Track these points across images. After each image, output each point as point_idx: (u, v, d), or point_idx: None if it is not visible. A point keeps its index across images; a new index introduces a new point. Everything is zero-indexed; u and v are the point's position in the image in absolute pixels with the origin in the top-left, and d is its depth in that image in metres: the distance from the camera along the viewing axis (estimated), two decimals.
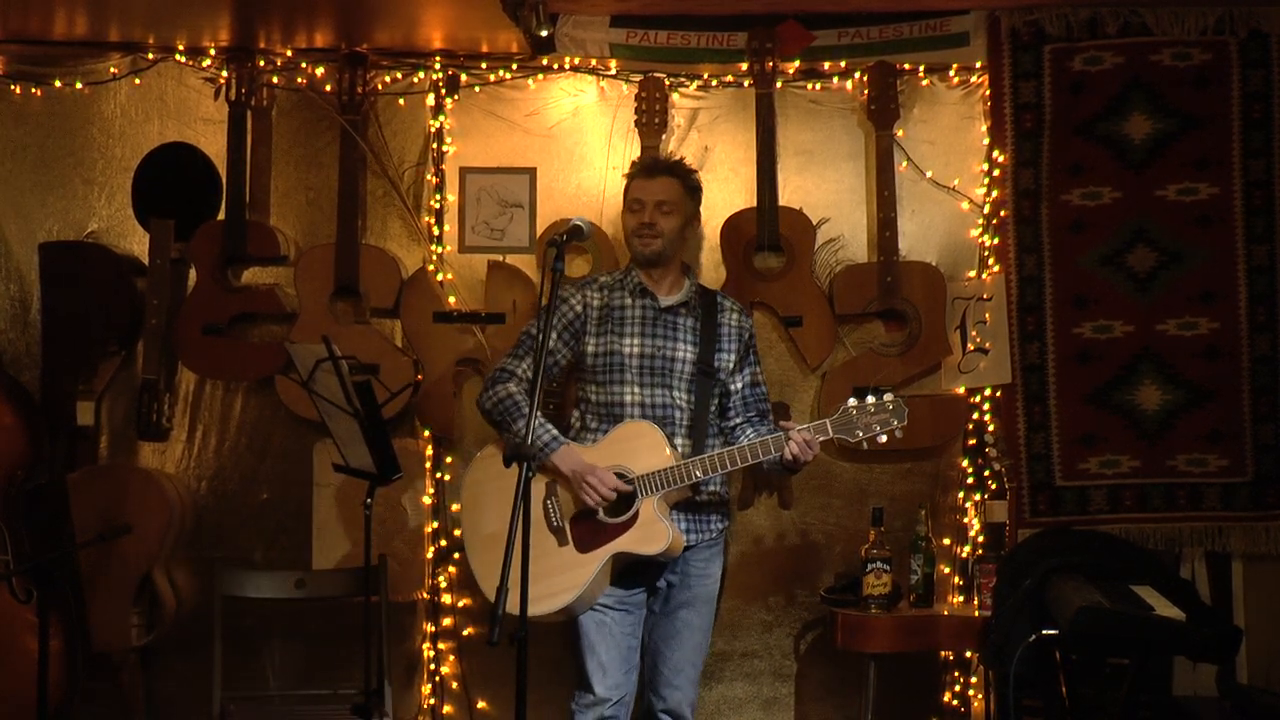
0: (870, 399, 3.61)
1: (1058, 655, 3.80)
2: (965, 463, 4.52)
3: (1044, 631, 3.69)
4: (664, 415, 3.72)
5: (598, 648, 3.69)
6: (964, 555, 4.47)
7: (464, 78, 4.61)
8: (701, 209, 4.59)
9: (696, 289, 3.89)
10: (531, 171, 4.62)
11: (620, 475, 3.63)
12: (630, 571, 3.69)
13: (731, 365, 3.83)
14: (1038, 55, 4.41)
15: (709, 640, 3.88)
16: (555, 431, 3.71)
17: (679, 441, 3.72)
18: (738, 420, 3.85)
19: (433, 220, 4.60)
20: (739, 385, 3.85)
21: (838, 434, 3.61)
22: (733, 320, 3.87)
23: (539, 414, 3.56)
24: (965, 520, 4.51)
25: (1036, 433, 4.42)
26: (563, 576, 3.60)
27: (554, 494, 3.70)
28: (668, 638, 3.78)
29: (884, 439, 3.62)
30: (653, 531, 3.60)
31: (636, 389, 3.73)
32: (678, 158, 3.96)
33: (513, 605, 2.98)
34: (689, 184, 3.87)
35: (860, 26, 4.46)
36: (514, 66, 4.61)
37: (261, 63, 4.57)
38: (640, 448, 3.65)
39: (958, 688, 4.51)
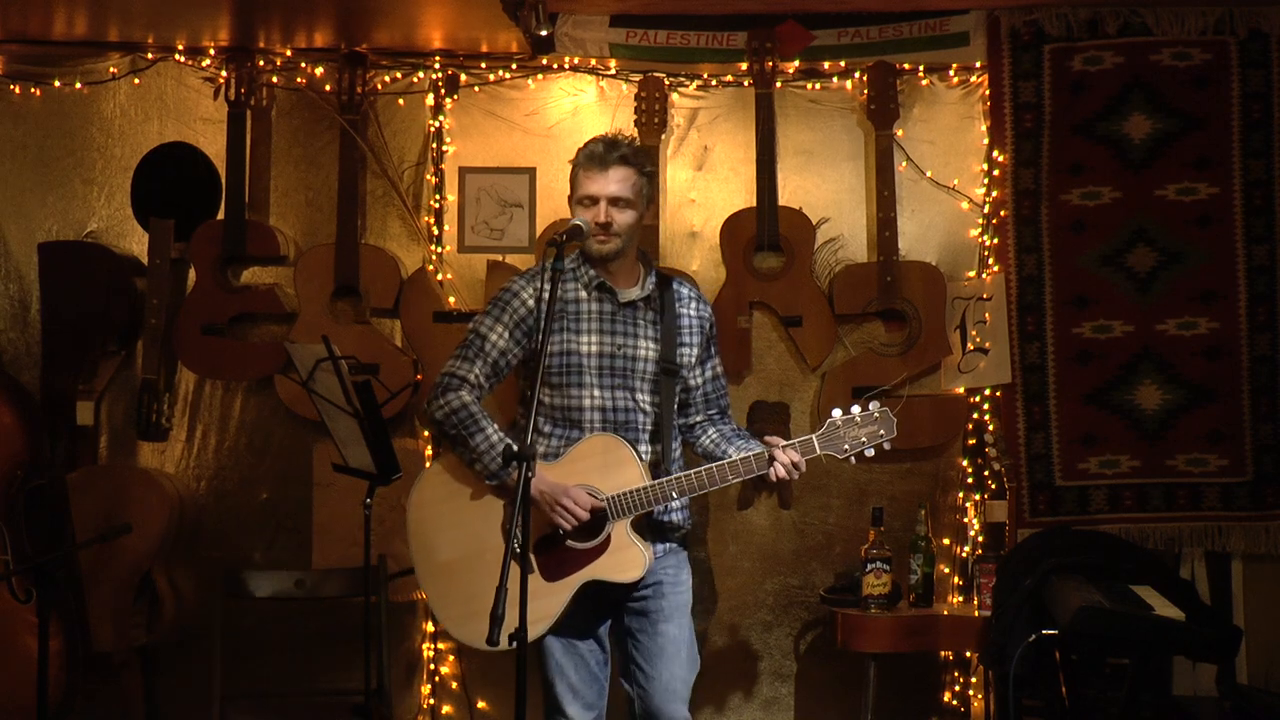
0: (856, 410, 3.37)
1: (1058, 655, 3.80)
2: (965, 463, 4.52)
3: (1044, 631, 3.68)
4: (626, 420, 3.43)
5: (566, 670, 3.45)
6: (964, 555, 4.47)
7: (464, 77, 4.61)
8: (701, 209, 4.61)
9: (655, 278, 3.53)
10: (531, 171, 4.62)
11: (589, 496, 3.36)
12: (600, 594, 3.40)
13: (693, 360, 3.53)
14: (1037, 55, 4.41)
15: (695, 649, 3.53)
16: (516, 448, 3.36)
17: (643, 448, 3.43)
18: (698, 418, 3.59)
19: (432, 220, 4.60)
20: (699, 380, 3.56)
21: (825, 450, 3.36)
22: (692, 310, 3.54)
23: (497, 430, 3.38)
24: (965, 520, 4.51)
25: (1036, 433, 4.42)
26: (531, 607, 3.15)
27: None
28: (652, 657, 3.44)
29: (871, 453, 3.38)
30: (627, 557, 3.33)
31: (596, 391, 3.42)
32: (627, 137, 3.53)
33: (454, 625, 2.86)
34: (645, 170, 3.45)
35: (860, 26, 4.46)
36: (514, 66, 4.61)
37: (261, 62, 4.57)
38: (607, 464, 3.35)
39: (958, 688, 4.51)
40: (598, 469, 3.36)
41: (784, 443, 3.34)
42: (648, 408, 3.46)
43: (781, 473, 3.32)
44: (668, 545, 3.51)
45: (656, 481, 3.34)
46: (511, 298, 3.47)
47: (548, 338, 3.19)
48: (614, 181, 3.39)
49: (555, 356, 3.42)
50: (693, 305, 3.56)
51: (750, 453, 3.36)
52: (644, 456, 3.41)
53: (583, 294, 3.46)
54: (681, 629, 3.48)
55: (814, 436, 3.37)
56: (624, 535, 3.34)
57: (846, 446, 3.36)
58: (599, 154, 3.41)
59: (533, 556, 3.34)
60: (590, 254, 3.44)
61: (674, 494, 3.35)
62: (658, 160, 3.57)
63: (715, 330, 3.62)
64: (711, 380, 3.60)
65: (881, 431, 3.37)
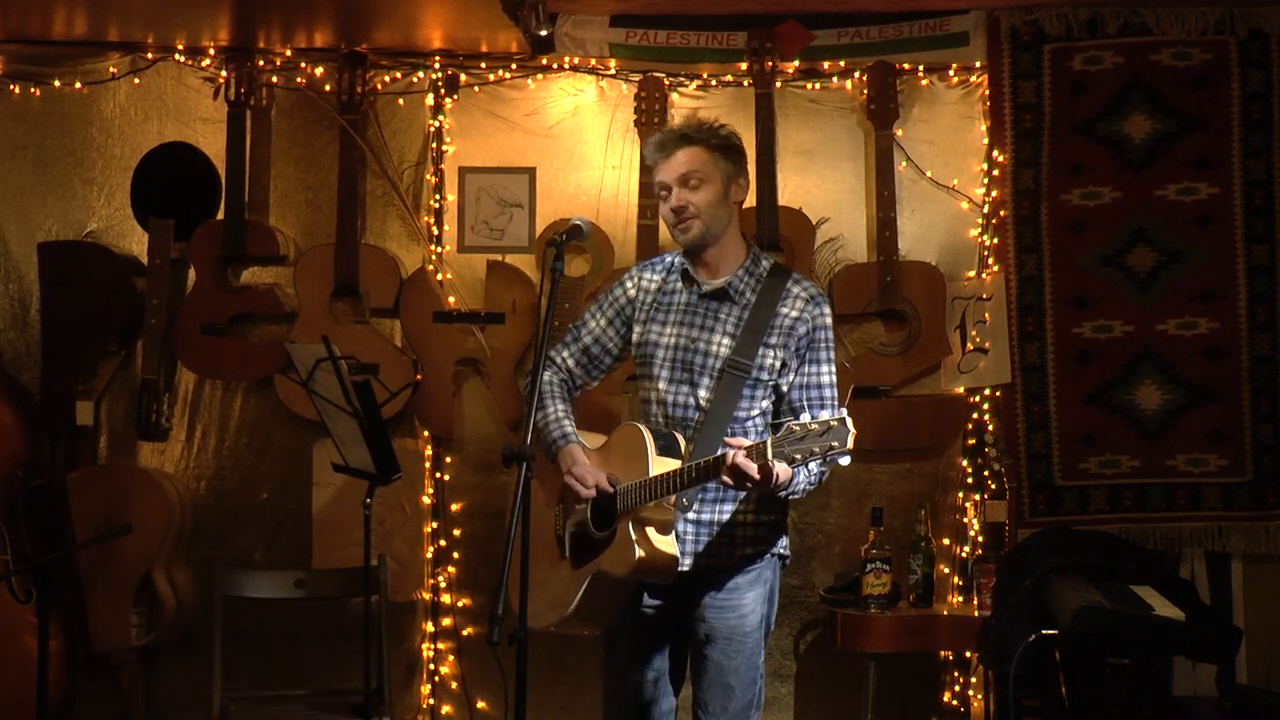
0: (807, 417, 3.01)
1: (1058, 655, 3.80)
2: (965, 463, 4.52)
3: (1044, 631, 3.68)
4: (681, 416, 3.27)
5: (613, 697, 3.42)
6: (964, 555, 4.47)
7: (463, 77, 4.61)
8: None
9: (756, 269, 3.31)
10: (531, 171, 4.61)
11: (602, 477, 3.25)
12: (657, 617, 3.33)
13: (778, 364, 3.26)
14: (1037, 55, 4.41)
15: (749, 681, 3.31)
16: (567, 429, 3.33)
17: (688, 447, 3.24)
18: None
19: (432, 220, 4.60)
20: (786, 387, 3.29)
21: (775, 460, 2.98)
22: (795, 310, 3.26)
23: (559, 409, 3.35)
24: (965, 520, 4.51)
25: (1036, 433, 4.42)
26: (556, 591, 3.28)
27: (564, 499, 3.34)
28: (698, 677, 3.34)
29: (821, 465, 3.10)
30: (624, 552, 3.16)
31: (662, 385, 3.30)
32: (696, 119, 3.37)
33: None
34: (715, 143, 3.27)
35: (860, 26, 4.46)
36: (513, 66, 4.61)
37: (261, 62, 4.57)
38: (627, 455, 3.22)
39: (958, 688, 4.51)
40: (622, 459, 3.25)
41: (746, 444, 3.03)
42: (704, 405, 3.26)
43: (726, 479, 3.03)
44: (716, 561, 3.29)
45: (638, 481, 3.17)
46: (616, 286, 3.43)
47: (547, 337, 3.11)
48: (679, 163, 3.25)
49: (639, 348, 3.36)
50: (797, 305, 3.28)
51: (714, 456, 3.11)
52: (683, 453, 3.22)
53: (678, 285, 3.35)
54: (727, 656, 3.29)
55: (768, 442, 2.99)
56: (627, 529, 3.17)
57: (798, 456, 2.95)
58: (660, 141, 3.30)
59: (569, 540, 3.31)
60: (680, 244, 3.33)
61: (655, 494, 3.14)
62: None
63: (823, 335, 3.29)
64: (800, 388, 3.28)
65: (833, 443, 2.90)
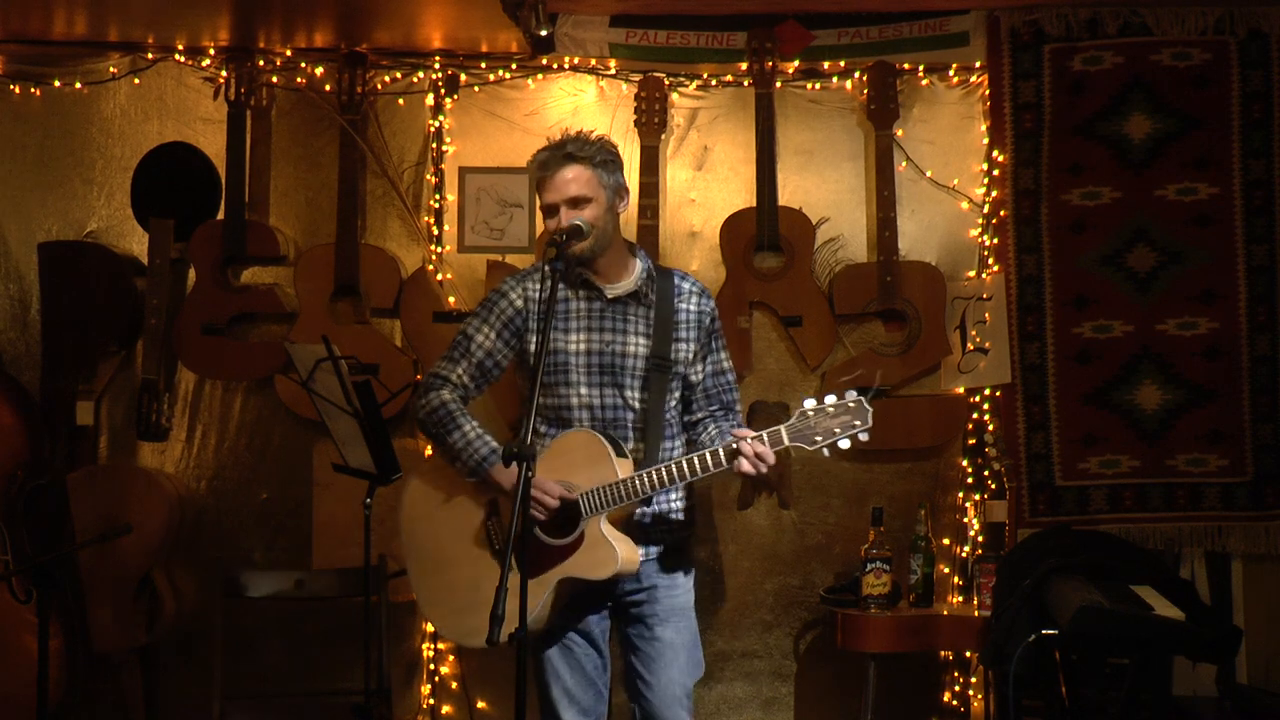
0: (829, 400, 3.14)
1: (1058, 655, 3.80)
2: (965, 463, 4.52)
3: (1044, 631, 3.69)
4: (613, 417, 3.34)
5: (562, 674, 3.37)
6: (964, 555, 4.47)
7: (463, 77, 4.61)
8: (701, 209, 4.62)
9: (649, 272, 3.40)
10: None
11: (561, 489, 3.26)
12: (587, 594, 3.32)
13: (691, 355, 3.40)
14: (1037, 55, 4.41)
15: (697, 654, 3.43)
16: (494, 444, 3.32)
17: (630, 446, 3.32)
18: (700, 415, 3.45)
19: (432, 220, 4.60)
20: (699, 376, 3.44)
21: (794, 442, 3.13)
22: (692, 304, 3.41)
23: (475, 427, 3.32)
24: (965, 520, 4.51)
25: (1036, 432, 4.42)
26: (510, 603, 3.03)
27: (495, 513, 3.34)
28: (649, 662, 3.37)
29: (846, 444, 3.14)
30: (600, 555, 3.21)
31: (584, 390, 3.33)
32: (576, 132, 3.36)
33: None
34: (598, 159, 3.31)
35: (860, 26, 4.46)
36: (513, 66, 4.61)
37: (261, 62, 4.57)
38: (583, 460, 3.26)
39: (958, 688, 4.51)
40: (574, 465, 3.27)
41: (751, 434, 3.14)
42: (636, 405, 3.36)
43: (745, 467, 3.13)
44: (660, 547, 3.39)
45: (624, 478, 3.21)
46: (499, 298, 3.40)
47: (546, 338, 3.14)
48: (565, 183, 3.29)
49: (545, 356, 3.30)
50: (693, 300, 3.43)
51: (717, 445, 3.21)
52: (628, 453, 3.30)
53: (569, 293, 3.38)
54: (679, 633, 3.39)
55: (782, 428, 3.15)
56: (598, 532, 3.22)
57: (818, 438, 3.13)
58: (544, 160, 3.32)
59: (512, 554, 3.23)
60: (568, 259, 3.33)
61: (644, 489, 3.20)
62: (627, 156, 3.43)
63: (719, 325, 3.49)
64: (713, 376, 3.47)
65: (856, 421, 3.12)
